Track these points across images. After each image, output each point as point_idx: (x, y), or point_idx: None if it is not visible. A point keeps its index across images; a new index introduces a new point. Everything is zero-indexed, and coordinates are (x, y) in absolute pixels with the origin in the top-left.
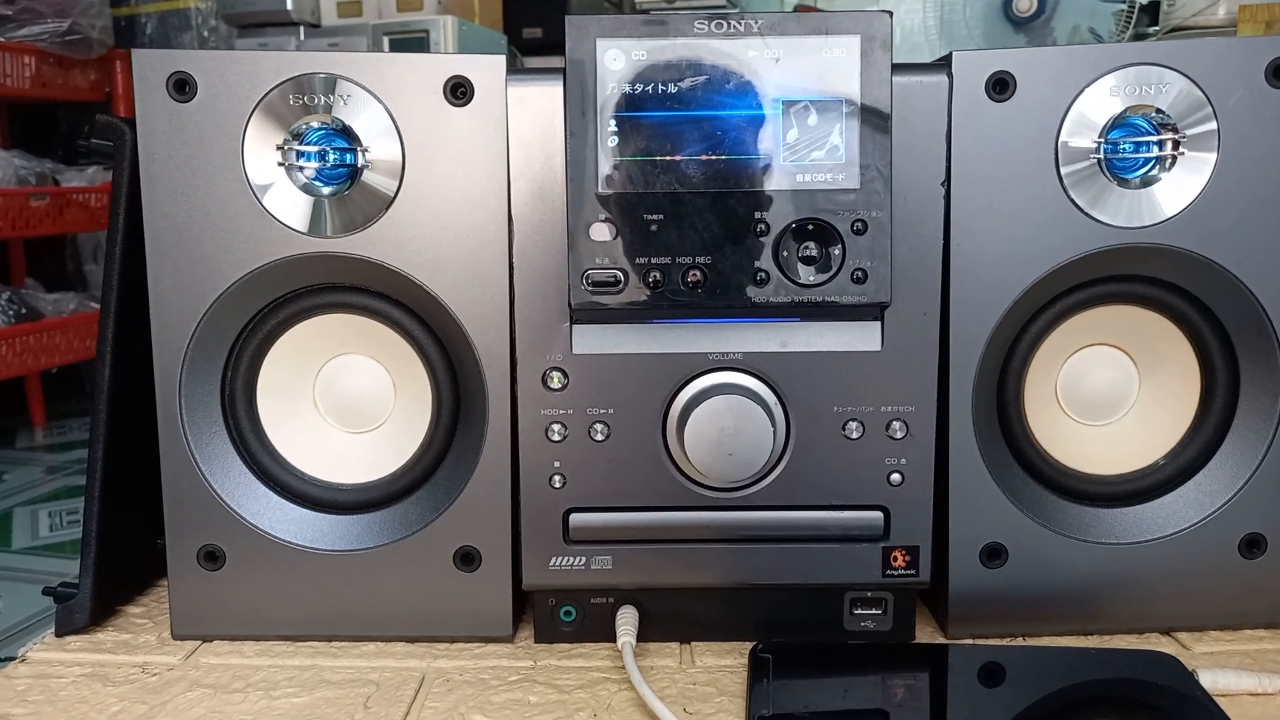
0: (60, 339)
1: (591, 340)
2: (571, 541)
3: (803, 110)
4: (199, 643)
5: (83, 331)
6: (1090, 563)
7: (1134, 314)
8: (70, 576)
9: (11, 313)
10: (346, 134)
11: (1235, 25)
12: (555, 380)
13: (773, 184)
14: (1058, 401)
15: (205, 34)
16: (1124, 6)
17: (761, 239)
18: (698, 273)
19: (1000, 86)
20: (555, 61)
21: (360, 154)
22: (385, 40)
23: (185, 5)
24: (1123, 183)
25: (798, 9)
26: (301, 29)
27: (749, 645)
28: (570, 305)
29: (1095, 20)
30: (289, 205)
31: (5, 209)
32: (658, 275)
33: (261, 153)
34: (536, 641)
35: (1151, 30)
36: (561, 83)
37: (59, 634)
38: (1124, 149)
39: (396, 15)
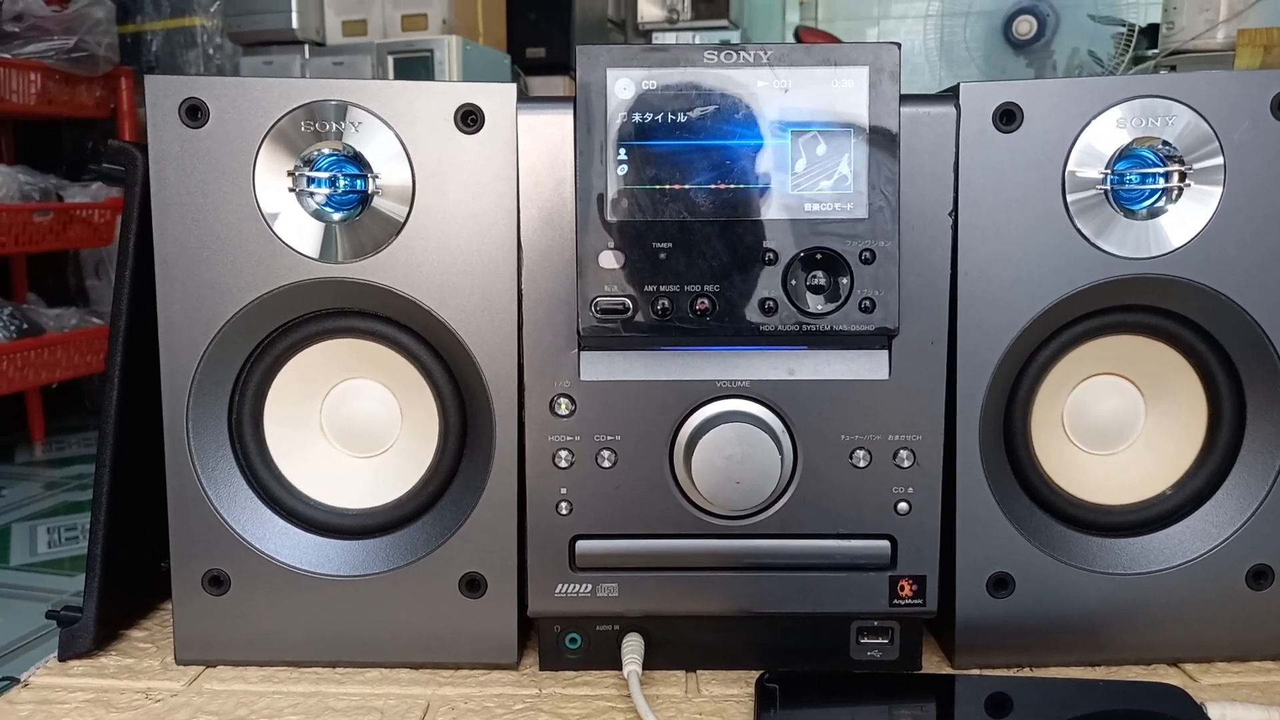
0: (61, 354)
1: (599, 367)
2: (578, 568)
3: (811, 140)
4: (203, 668)
5: (84, 347)
6: (1097, 593)
7: (1140, 344)
8: (70, 595)
9: (13, 328)
10: (357, 160)
11: (1234, 49)
12: (563, 406)
13: (781, 213)
14: (1064, 431)
15: (210, 51)
16: (1123, 30)
17: (770, 267)
18: (706, 301)
19: (1007, 117)
20: (558, 81)
21: (371, 180)
22: (390, 60)
23: (191, 24)
24: (1129, 214)
25: (800, 31)
26: (306, 47)
27: (755, 674)
28: (579, 332)
29: (1095, 43)
30: (299, 230)
31: (9, 224)
32: (666, 303)
33: (272, 179)
34: (541, 669)
35: (1151, 53)
36: (571, 111)
37: (62, 658)
38: (1130, 180)
39: (401, 35)
